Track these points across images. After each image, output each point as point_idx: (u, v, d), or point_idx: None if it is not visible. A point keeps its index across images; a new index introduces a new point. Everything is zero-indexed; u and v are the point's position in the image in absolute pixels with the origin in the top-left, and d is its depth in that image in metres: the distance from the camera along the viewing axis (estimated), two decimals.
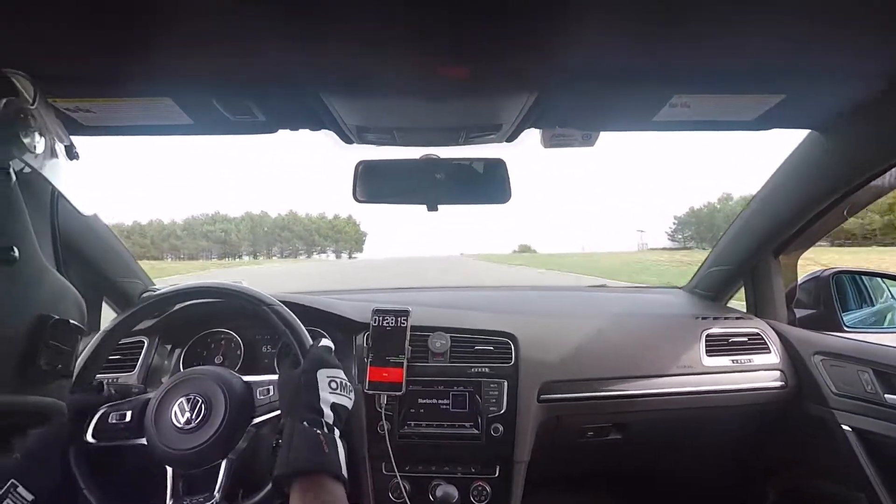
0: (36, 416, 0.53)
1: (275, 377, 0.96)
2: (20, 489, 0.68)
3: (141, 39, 0.69)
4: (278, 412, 0.92)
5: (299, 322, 0.99)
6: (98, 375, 1.01)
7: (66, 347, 0.52)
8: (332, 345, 0.97)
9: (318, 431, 0.77)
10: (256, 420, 0.94)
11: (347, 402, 0.86)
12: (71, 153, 0.58)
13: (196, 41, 0.71)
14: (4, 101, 0.48)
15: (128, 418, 0.95)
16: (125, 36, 0.68)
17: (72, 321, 0.52)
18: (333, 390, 0.84)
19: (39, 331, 0.48)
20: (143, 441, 0.92)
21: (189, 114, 0.92)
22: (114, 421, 0.95)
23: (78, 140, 0.67)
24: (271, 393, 0.95)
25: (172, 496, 0.90)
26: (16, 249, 0.46)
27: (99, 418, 0.95)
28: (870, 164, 1.03)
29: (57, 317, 0.50)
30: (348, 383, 0.89)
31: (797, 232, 1.31)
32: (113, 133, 0.99)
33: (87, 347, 0.98)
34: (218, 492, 0.89)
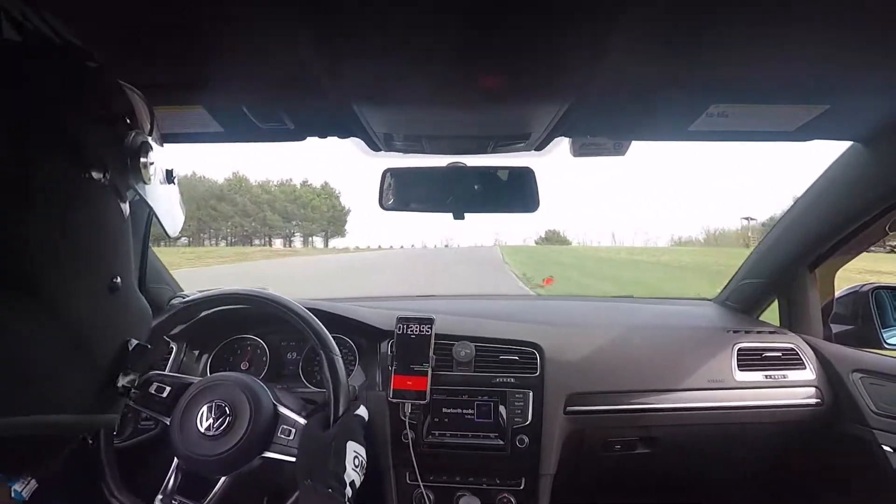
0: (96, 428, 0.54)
1: (301, 420, 0.95)
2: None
3: (173, 49, 0.70)
4: (290, 459, 0.91)
5: (346, 381, 0.98)
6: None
7: (139, 370, 0.53)
8: (366, 416, 0.97)
9: (345, 501, 0.79)
10: (267, 454, 0.92)
11: (359, 482, 0.88)
12: (171, 177, 0.56)
13: (227, 50, 0.72)
14: (133, 133, 0.47)
15: (165, 394, 0.97)
16: (157, 45, 0.69)
17: (147, 345, 0.53)
18: (355, 467, 0.86)
19: (122, 356, 0.49)
20: (167, 421, 0.94)
21: (219, 122, 0.93)
22: (152, 391, 0.98)
23: None
24: (291, 437, 0.93)
25: (164, 487, 0.93)
26: (119, 278, 0.47)
27: (142, 383, 0.97)
28: None
29: (137, 341, 0.50)
30: (366, 462, 0.91)
31: (835, 246, 1.27)
32: None
33: None
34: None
